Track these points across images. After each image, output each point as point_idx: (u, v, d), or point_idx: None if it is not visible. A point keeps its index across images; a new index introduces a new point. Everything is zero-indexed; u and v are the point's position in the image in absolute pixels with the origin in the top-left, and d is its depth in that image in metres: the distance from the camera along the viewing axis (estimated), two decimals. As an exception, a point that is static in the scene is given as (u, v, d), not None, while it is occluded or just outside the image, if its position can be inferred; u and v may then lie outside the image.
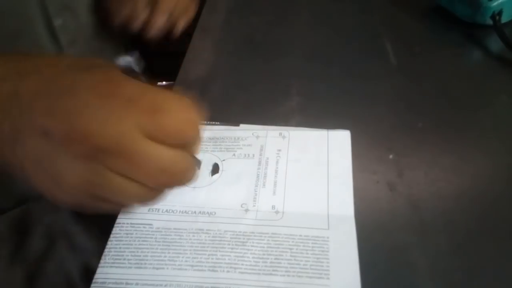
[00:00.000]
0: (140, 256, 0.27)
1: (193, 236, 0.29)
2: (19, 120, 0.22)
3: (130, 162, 0.22)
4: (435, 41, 0.46)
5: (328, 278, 0.26)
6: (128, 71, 0.24)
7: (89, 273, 0.45)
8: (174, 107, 0.23)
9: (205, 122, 0.36)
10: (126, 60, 0.23)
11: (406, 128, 0.36)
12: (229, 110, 0.39)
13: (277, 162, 0.33)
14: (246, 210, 0.30)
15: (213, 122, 0.37)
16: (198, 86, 0.41)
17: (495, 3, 0.43)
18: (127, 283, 0.26)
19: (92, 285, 0.26)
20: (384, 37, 0.46)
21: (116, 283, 0.26)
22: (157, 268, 0.27)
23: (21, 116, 0.22)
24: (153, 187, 0.24)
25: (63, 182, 0.23)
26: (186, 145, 0.25)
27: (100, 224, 0.44)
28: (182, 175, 0.25)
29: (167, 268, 0.27)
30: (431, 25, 0.48)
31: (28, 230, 0.39)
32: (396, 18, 0.49)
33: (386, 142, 0.35)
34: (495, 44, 0.43)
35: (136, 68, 0.23)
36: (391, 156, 0.34)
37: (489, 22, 0.44)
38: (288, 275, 0.26)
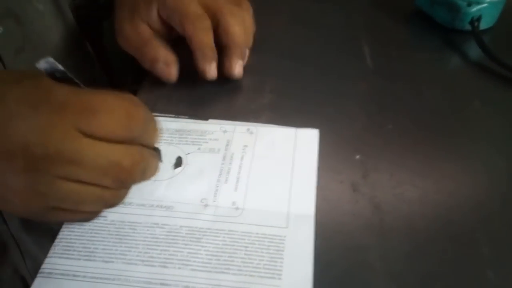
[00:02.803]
0: (90, 248, 0.27)
1: (147, 230, 0.28)
2: None
3: (75, 163, 0.22)
4: (413, 45, 0.46)
5: (279, 278, 0.25)
6: (54, 72, 0.24)
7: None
8: (109, 105, 0.23)
9: (173, 115, 0.36)
10: (48, 61, 0.22)
11: (375, 130, 0.36)
12: (199, 105, 0.38)
13: (242, 158, 0.32)
14: (205, 206, 0.29)
15: (182, 116, 0.36)
16: (169, 84, 0.41)
17: (474, 9, 0.43)
18: (74, 275, 0.25)
19: (38, 275, 0.26)
20: (363, 39, 0.46)
21: (62, 274, 0.25)
22: (106, 262, 0.26)
23: None
24: (110, 187, 0.24)
25: (14, 198, 0.22)
26: (134, 139, 0.24)
27: (52, 234, 0.44)
28: (137, 168, 0.24)
29: (117, 262, 0.26)
30: (411, 29, 0.48)
31: None
32: (376, 21, 0.49)
33: (355, 142, 0.35)
34: (473, 50, 0.43)
35: (59, 66, 0.22)
36: (357, 157, 0.33)
37: (468, 28, 0.44)
38: (240, 274, 0.26)
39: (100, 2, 0.51)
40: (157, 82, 0.39)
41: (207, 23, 0.35)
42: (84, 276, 0.25)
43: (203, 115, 0.36)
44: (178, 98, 0.38)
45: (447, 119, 0.37)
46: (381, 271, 0.27)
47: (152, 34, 0.37)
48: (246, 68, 0.42)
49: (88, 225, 0.28)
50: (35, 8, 0.40)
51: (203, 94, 0.40)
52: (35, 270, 0.42)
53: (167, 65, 0.37)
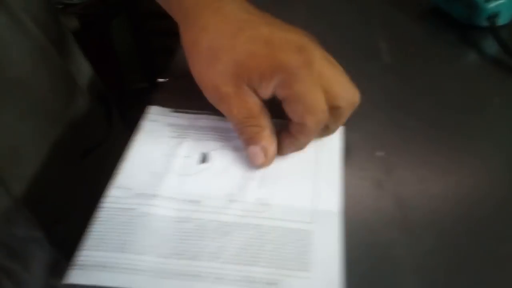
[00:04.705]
0: (122, 240, 0.27)
1: (178, 224, 0.28)
2: None
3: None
4: (430, 41, 0.46)
5: (309, 270, 0.26)
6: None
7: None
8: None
9: (194, 112, 0.36)
10: None
11: (396, 127, 0.36)
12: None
13: None
14: (232, 201, 0.30)
15: (202, 112, 0.36)
16: (189, 78, 0.41)
17: (492, 5, 0.43)
18: (108, 266, 0.26)
19: (72, 267, 0.26)
20: (379, 36, 0.46)
21: (95, 265, 0.26)
22: (140, 254, 0.27)
23: None
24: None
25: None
26: None
27: (40, 261, 0.44)
28: None
29: (150, 255, 0.27)
30: (428, 25, 0.48)
31: None
32: (393, 18, 0.49)
33: (376, 139, 0.35)
34: (491, 46, 0.43)
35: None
36: (380, 154, 0.34)
37: (486, 24, 0.44)
38: (269, 267, 0.26)
39: (109, 1, 0.50)
40: (180, 76, 0.39)
41: (326, 119, 0.30)
42: (118, 267, 0.26)
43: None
44: (199, 95, 0.39)
45: (467, 115, 0.37)
46: (407, 267, 0.27)
47: (261, 110, 0.31)
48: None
49: (119, 218, 0.28)
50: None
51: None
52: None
53: (264, 153, 0.31)
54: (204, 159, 0.33)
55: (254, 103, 0.30)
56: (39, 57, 0.42)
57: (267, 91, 0.30)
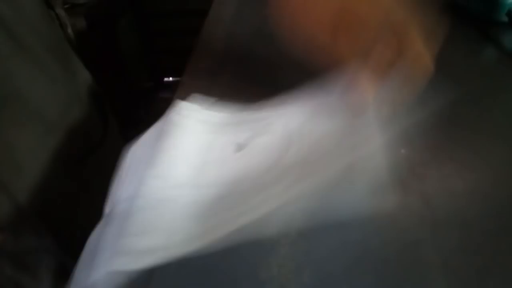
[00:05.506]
0: (171, 228, 0.27)
1: (226, 197, 0.28)
2: None
3: None
4: (448, 37, 0.45)
5: None
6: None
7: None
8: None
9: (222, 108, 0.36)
10: None
11: (418, 124, 0.36)
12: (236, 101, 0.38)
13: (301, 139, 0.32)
14: (275, 175, 0.30)
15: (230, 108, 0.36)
16: (207, 76, 0.41)
17: (511, 0, 0.43)
18: (155, 251, 0.25)
19: (116, 255, 0.25)
20: (397, 32, 0.45)
21: (143, 251, 0.25)
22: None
23: None
24: None
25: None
26: None
27: (48, 267, 0.43)
28: None
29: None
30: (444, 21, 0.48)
31: None
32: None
33: (397, 137, 0.34)
34: (510, 41, 0.43)
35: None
36: (402, 151, 0.33)
37: (505, 19, 0.43)
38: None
39: (116, 1, 0.49)
40: (196, 77, 0.39)
41: None
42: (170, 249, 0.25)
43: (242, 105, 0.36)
44: (216, 95, 0.38)
45: (489, 111, 0.37)
46: (436, 266, 0.27)
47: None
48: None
49: (160, 208, 0.28)
50: None
51: (237, 92, 0.39)
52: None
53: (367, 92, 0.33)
54: (240, 148, 0.32)
55: (353, 49, 0.31)
56: (35, 67, 0.41)
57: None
